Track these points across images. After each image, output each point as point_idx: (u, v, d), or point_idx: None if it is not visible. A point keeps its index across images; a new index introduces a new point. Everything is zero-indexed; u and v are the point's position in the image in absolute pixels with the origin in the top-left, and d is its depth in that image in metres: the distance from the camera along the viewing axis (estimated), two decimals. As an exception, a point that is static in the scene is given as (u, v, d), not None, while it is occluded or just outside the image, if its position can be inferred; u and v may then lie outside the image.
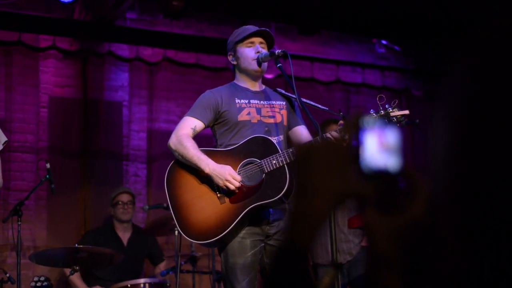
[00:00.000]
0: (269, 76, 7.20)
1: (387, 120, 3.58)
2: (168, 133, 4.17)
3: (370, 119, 1.01)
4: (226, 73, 7.37)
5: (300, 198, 1.05)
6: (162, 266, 6.34)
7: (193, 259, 6.01)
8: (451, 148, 0.80)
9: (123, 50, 7.27)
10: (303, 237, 1.05)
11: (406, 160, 0.98)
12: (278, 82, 7.14)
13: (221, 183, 3.77)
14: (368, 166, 0.99)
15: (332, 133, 3.72)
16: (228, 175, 3.76)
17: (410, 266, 0.95)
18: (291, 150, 3.76)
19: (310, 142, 3.45)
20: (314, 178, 1.04)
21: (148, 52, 7.36)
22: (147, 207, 6.21)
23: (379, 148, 0.99)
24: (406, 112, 3.69)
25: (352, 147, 1.01)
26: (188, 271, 6.11)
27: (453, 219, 0.79)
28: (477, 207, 0.75)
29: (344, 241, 5.16)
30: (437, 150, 0.82)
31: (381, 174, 0.98)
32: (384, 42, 8.43)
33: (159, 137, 7.12)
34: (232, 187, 3.75)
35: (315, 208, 1.03)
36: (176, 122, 6.79)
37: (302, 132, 4.11)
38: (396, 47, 8.48)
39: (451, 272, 0.78)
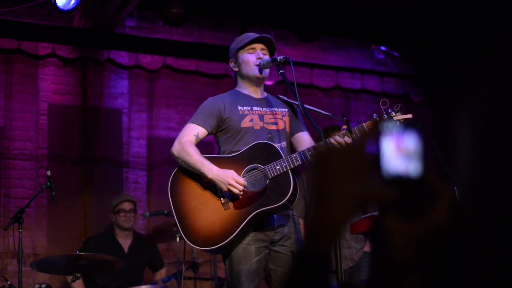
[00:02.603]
0: (269, 82, 7.20)
1: None
2: (168, 140, 4.16)
3: (391, 124, 1.01)
4: (226, 80, 7.38)
5: (319, 202, 1.05)
6: (162, 273, 6.33)
7: (194, 266, 6.00)
8: (478, 152, 0.80)
9: (123, 57, 7.28)
10: (322, 242, 1.04)
11: (428, 166, 0.98)
12: (278, 89, 7.16)
13: (224, 187, 3.77)
14: (388, 171, 0.98)
15: (336, 138, 3.71)
16: (231, 179, 3.75)
17: (430, 273, 0.94)
18: (294, 155, 3.76)
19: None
20: (333, 182, 1.04)
21: (148, 60, 7.37)
22: (147, 214, 6.20)
23: (399, 153, 0.99)
24: (409, 116, 3.69)
25: (372, 152, 1.00)
26: (189, 278, 6.10)
27: (481, 223, 0.79)
28: (504, 209, 0.76)
29: (346, 247, 5.16)
30: (464, 155, 0.82)
31: (402, 180, 0.98)
32: (383, 48, 8.45)
33: (159, 144, 7.13)
34: (235, 191, 3.75)
35: (334, 212, 1.03)
36: (176, 129, 6.81)
37: (304, 138, 4.10)
38: (395, 53, 8.50)
39: (478, 276, 0.78)
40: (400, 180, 0.98)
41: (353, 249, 5.19)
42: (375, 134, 1.00)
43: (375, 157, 0.99)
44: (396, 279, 0.96)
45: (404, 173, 0.98)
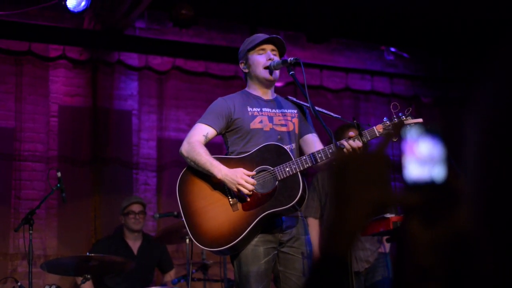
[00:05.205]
0: (279, 84, 7.20)
1: None
2: (177, 142, 4.15)
3: (413, 129, 1.00)
4: (235, 82, 7.38)
5: (339, 205, 1.05)
6: (172, 274, 6.33)
7: (204, 267, 5.99)
8: (486, 153, 0.80)
9: (133, 59, 7.29)
10: (342, 244, 1.04)
11: (450, 170, 0.97)
12: (288, 90, 7.15)
13: (234, 187, 3.76)
14: (411, 175, 0.98)
15: (346, 141, 3.70)
16: (241, 178, 3.74)
17: (453, 277, 0.94)
18: (304, 157, 3.75)
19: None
20: (352, 185, 1.03)
21: (157, 61, 7.38)
22: (157, 215, 6.19)
23: (422, 157, 0.98)
24: (420, 120, 3.67)
25: (393, 156, 1.00)
26: (199, 279, 6.09)
27: (488, 223, 0.78)
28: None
29: (360, 248, 5.15)
30: (472, 156, 0.82)
31: (425, 184, 0.97)
32: (392, 49, 8.43)
33: (169, 146, 7.13)
34: (245, 191, 3.74)
35: (352, 216, 1.02)
36: (185, 131, 6.82)
37: (313, 140, 4.09)
38: (405, 54, 8.48)
39: (493, 280, 0.78)
40: (423, 185, 0.97)
41: (368, 251, 5.18)
42: (397, 139, 1.00)
43: (398, 162, 0.99)
44: (419, 283, 0.96)
45: (428, 177, 0.97)
